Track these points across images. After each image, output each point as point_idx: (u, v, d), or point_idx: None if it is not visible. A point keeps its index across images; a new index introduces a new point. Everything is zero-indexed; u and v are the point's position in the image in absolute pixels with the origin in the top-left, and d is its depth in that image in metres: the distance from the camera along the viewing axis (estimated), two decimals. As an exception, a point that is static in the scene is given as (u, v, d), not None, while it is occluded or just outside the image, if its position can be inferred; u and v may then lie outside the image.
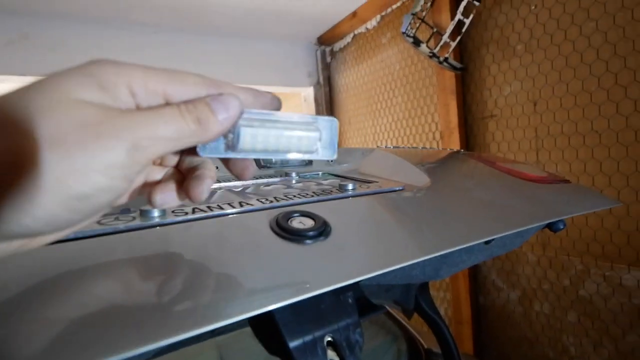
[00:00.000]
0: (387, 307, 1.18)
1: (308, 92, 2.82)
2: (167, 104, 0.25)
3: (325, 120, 0.30)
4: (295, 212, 0.37)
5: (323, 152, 0.30)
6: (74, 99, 0.20)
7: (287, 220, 0.35)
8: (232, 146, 0.28)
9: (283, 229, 0.33)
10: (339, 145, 2.78)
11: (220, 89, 0.27)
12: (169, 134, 0.24)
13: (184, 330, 0.23)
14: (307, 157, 0.30)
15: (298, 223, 0.35)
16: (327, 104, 2.78)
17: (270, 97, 0.30)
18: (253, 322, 0.36)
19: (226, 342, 1.04)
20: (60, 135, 0.19)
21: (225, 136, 0.27)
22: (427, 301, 0.89)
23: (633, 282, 1.23)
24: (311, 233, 0.33)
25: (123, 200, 0.28)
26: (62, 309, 0.23)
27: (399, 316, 1.17)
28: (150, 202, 0.28)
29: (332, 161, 0.77)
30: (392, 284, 0.65)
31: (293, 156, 0.30)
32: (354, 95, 2.53)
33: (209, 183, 0.28)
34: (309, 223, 0.35)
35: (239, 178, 0.30)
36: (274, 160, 0.65)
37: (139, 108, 0.25)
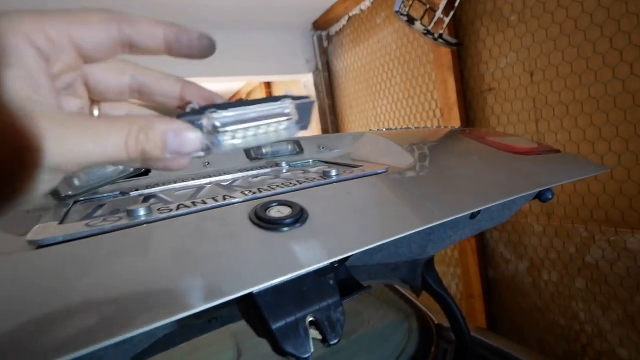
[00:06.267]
0: (397, 286, 1.21)
1: (308, 79, 2.82)
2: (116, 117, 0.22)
3: (299, 102, 0.29)
4: (274, 202, 0.39)
5: (296, 130, 0.29)
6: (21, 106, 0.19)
7: (265, 211, 0.37)
8: (208, 150, 0.26)
9: (260, 219, 0.35)
10: (343, 130, 2.76)
11: (133, 24, 0.24)
12: (103, 159, 0.21)
13: (164, 316, 0.25)
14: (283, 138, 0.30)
15: (276, 212, 0.37)
16: (327, 89, 2.78)
17: (197, 35, 0.26)
18: (242, 308, 0.38)
19: (242, 329, 1.06)
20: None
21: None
22: (434, 278, 0.91)
23: (638, 246, 1.23)
24: (288, 221, 0.35)
25: None
26: (57, 309, 0.25)
27: (410, 294, 1.19)
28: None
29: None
30: (381, 262, 0.67)
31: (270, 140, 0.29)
32: (354, 79, 2.53)
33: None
34: (286, 212, 0.37)
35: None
36: (264, 151, 0.67)
37: (55, 76, 0.23)
